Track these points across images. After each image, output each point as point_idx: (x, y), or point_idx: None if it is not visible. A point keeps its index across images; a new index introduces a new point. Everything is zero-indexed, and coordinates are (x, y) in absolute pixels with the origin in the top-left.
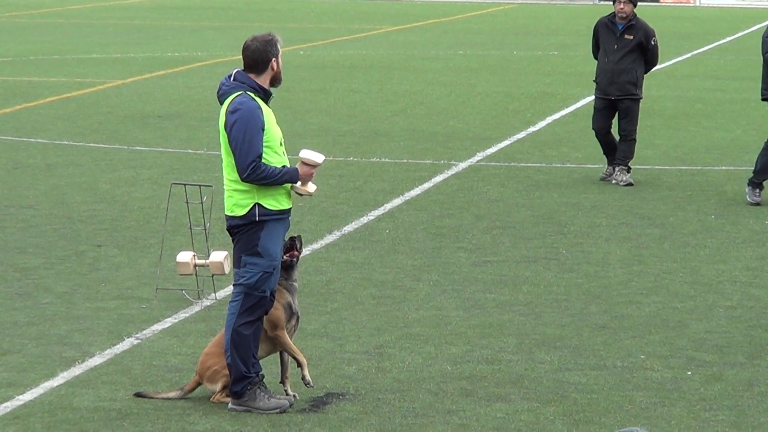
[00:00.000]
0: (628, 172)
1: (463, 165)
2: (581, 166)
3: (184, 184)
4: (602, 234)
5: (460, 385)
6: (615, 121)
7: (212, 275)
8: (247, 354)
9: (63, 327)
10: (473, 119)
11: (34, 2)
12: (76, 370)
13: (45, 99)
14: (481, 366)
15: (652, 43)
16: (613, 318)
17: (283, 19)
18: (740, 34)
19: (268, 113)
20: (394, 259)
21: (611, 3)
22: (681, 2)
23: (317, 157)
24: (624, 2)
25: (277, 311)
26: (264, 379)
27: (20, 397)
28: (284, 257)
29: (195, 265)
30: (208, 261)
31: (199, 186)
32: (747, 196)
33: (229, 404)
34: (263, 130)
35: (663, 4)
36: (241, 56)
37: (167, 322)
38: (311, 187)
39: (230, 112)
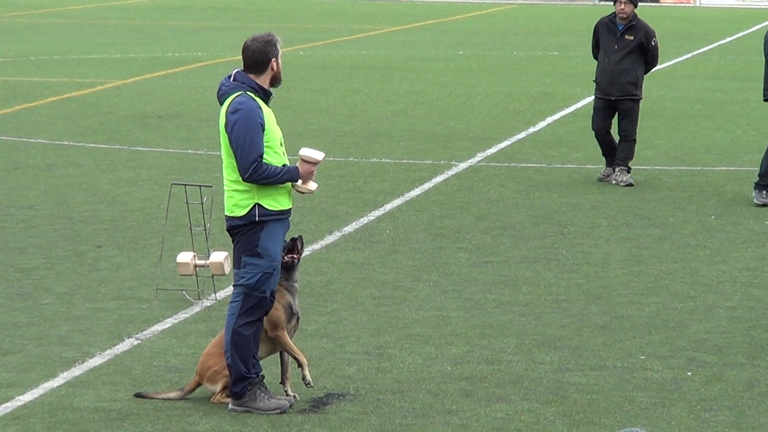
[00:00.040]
0: (628, 172)
1: (463, 165)
2: (581, 166)
3: (185, 185)
4: (602, 234)
5: (460, 386)
6: (614, 121)
7: (212, 276)
8: (247, 354)
9: (63, 327)
10: (473, 119)
11: (34, 2)
12: (77, 371)
13: (45, 99)
14: (482, 366)
15: (653, 43)
16: (614, 318)
17: (284, 20)
18: (740, 34)
19: (268, 113)
20: (394, 259)
21: (611, 3)
22: (681, 2)
23: (317, 155)
24: (625, 3)
25: (278, 312)
26: (264, 380)
27: (20, 397)
28: (285, 258)
29: (195, 266)
30: (208, 261)
31: (200, 186)
32: (755, 199)
33: (230, 405)
34: (263, 129)
35: (663, 4)
36: (241, 57)
37: (167, 323)
38: (312, 185)
39: (230, 113)
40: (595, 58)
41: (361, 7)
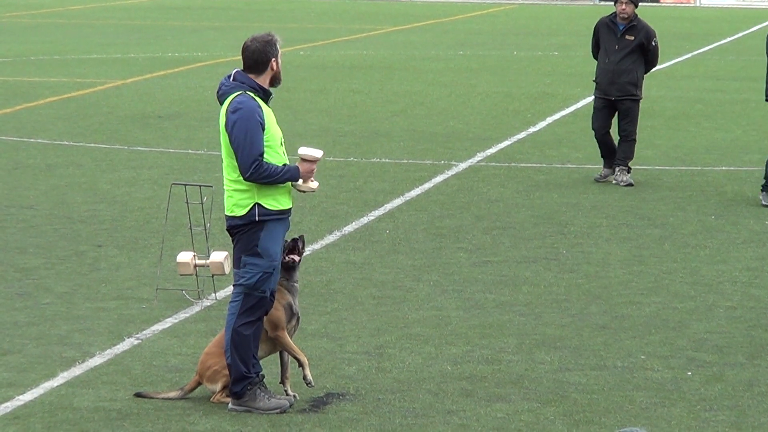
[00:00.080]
0: (629, 172)
1: (463, 165)
2: (581, 166)
3: (185, 185)
4: (602, 234)
5: (460, 386)
6: (614, 121)
7: (212, 275)
8: (247, 354)
9: (63, 327)
10: (473, 119)
11: (34, 2)
12: (77, 370)
13: (45, 99)
14: (482, 366)
15: (653, 43)
16: (614, 318)
17: (284, 20)
18: (740, 34)
19: (268, 113)
20: (394, 259)
21: (612, 3)
22: (681, 2)
23: (316, 153)
24: (626, 3)
25: (278, 312)
26: (264, 380)
27: (20, 397)
28: (286, 258)
29: (195, 266)
30: (208, 261)
31: (200, 186)
32: (762, 200)
33: (229, 404)
34: (263, 129)
35: (663, 4)
36: (240, 57)
37: (167, 323)
38: (313, 183)
39: (231, 112)
40: (595, 58)
41: (361, 7)
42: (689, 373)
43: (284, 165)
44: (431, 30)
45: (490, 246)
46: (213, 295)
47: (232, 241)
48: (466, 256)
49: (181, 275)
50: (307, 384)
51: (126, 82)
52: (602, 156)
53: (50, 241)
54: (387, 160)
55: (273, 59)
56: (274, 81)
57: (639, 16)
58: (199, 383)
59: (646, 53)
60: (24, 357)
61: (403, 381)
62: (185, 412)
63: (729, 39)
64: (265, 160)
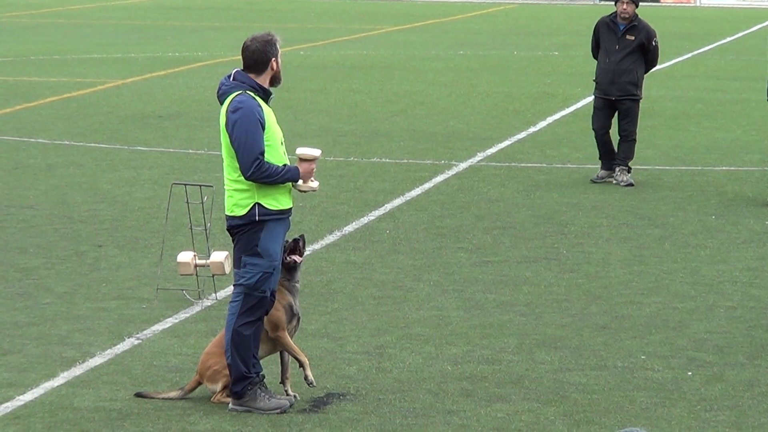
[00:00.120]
0: (629, 172)
1: (463, 165)
2: (582, 166)
3: (185, 184)
4: (603, 234)
5: (460, 386)
6: (614, 121)
7: (213, 275)
8: (247, 354)
9: (63, 327)
10: (474, 119)
11: (34, 2)
12: (77, 370)
13: (45, 99)
14: (482, 366)
15: (653, 43)
16: (614, 318)
17: (284, 19)
18: (741, 34)
19: (268, 112)
20: (394, 259)
21: (612, 3)
22: (681, 2)
23: (314, 152)
24: (627, 3)
25: (278, 312)
26: (264, 380)
27: (21, 397)
28: (287, 259)
29: (195, 265)
30: (208, 261)
31: (200, 186)
32: None
33: (230, 404)
34: (264, 128)
35: (663, 4)
36: (240, 56)
37: (168, 322)
38: (314, 183)
39: (231, 112)
40: (595, 57)
41: (361, 7)
42: (689, 373)
43: (284, 165)
44: (431, 30)
45: (490, 246)
46: (213, 295)
47: (233, 241)
48: (466, 256)
49: (182, 275)
50: (308, 384)
51: (126, 81)
52: (600, 157)
53: (50, 241)
54: (387, 160)
55: (273, 59)
56: (274, 81)
57: (639, 16)
58: (199, 383)
59: (646, 53)
60: (24, 357)
61: (403, 381)
62: (185, 412)
63: (729, 39)
64: (265, 159)
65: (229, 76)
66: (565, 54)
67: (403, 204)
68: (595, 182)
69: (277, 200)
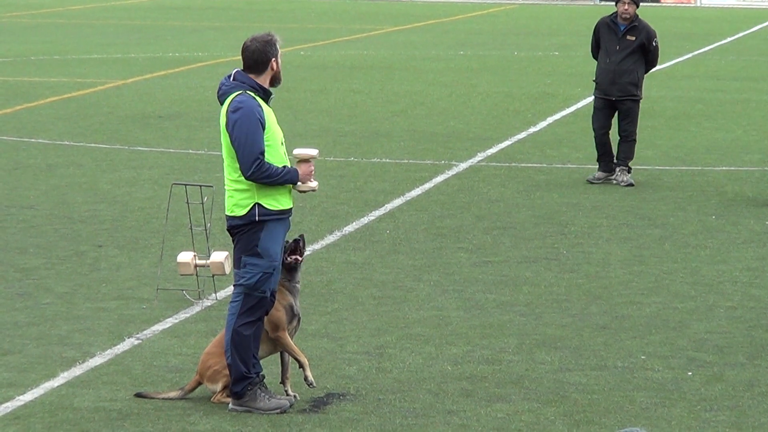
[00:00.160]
0: (629, 172)
1: (463, 165)
2: (582, 166)
3: (185, 185)
4: (603, 234)
5: (460, 386)
6: (614, 121)
7: (213, 275)
8: (247, 354)
9: (64, 327)
10: (474, 119)
11: (34, 2)
12: (77, 371)
13: (46, 99)
14: (482, 366)
15: (654, 44)
16: (614, 318)
17: (284, 20)
18: (741, 34)
19: (268, 112)
20: (394, 259)
21: (613, 3)
22: (682, 2)
23: (311, 151)
24: (628, 3)
25: (279, 312)
26: (264, 380)
27: (21, 397)
28: (288, 259)
29: (196, 266)
30: (208, 261)
31: (200, 186)
32: None
33: (230, 404)
34: (264, 128)
35: (664, 4)
36: (240, 57)
37: (168, 323)
38: (313, 183)
39: (231, 112)
40: (595, 57)
41: (361, 7)
42: (690, 374)
43: (284, 167)
44: (432, 30)
45: (490, 246)
46: (213, 295)
47: (233, 241)
48: (466, 256)
49: (182, 275)
50: (308, 385)
51: (126, 82)
52: (598, 159)
53: (51, 241)
54: (387, 160)
55: (273, 59)
56: (275, 81)
57: (639, 16)
58: (199, 383)
59: (646, 53)
60: (24, 357)
61: (403, 381)
62: (185, 412)
63: (729, 39)
64: (265, 159)
65: (230, 77)
66: (565, 54)
67: (403, 204)
68: (591, 182)
69: (277, 200)
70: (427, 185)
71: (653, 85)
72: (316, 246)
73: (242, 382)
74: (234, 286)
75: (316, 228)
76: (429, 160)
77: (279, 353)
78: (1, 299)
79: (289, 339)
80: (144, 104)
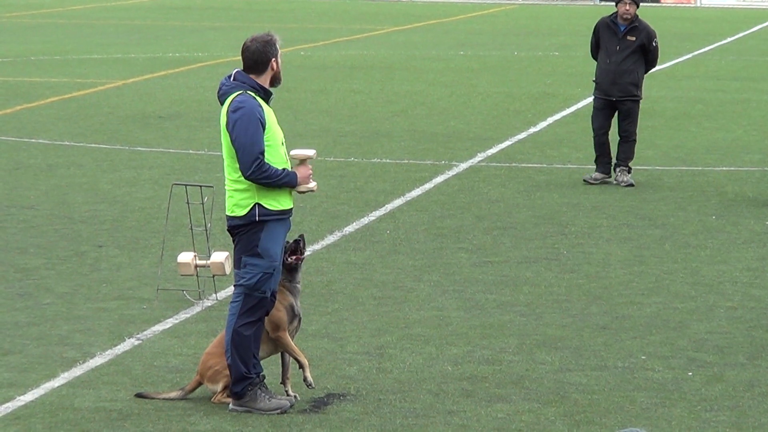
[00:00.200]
0: (629, 172)
1: (463, 165)
2: (582, 166)
3: (185, 185)
4: (603, 234)
5: (460, 386)
6: (614, 121)
7: (213, 276)
8: (247, 355)
9: (64, 327)
10: (474, 120)
11: (34, 2)
12: (77, 371)
13: (46, 99)
14: (482, 366)
15: (654, 44)
16: (614, 318)
17: (284, 20)
18: (741, 34)
19: (269, 112)
20: (394, 259)
21: (613, 3)
22: (682, 3)
23: (308, 151)
24: (629, 3)
25: (279, 312)
26: (265, 380)
27: (21, 397)
28: (289, 260)
29: (196, 266)
30: (209, 261)
31: (200, 186)
32: None
33: (230, 405)
34: (264, 127)
35: (664, 4)
36: (240, 57)
37: (168, 323)
38: (312, 184)
39: (232, 111)
40: (594, 58)
41: (361, 7)
42: (690, 374)
43: (284, 169)
44: (432, 30)
45: (490, 246)
46: (214, 295)
47: (233, 241)
48: (466, 257)
49: (182, 275)
50: (307, 386)
51: (127, 82)
52: (596, 159)
53: (51, 242)
54: (388, 161)
55: (273, 59)
56: (275, 81)
57: (639, 16)
58: (200, 383)
59: (646, 54)
60: (25, 357)
61: (403, 381)
62: (186, 412)
63: (729, 39)
64: (266, 159)
65: (230, 77)
66: (565, 54)
67: (403, 204)
68: (587, 182)
69: (277, 201)
70: (428, 185)
71: (653, 85)
72: (317, 246)
73: (242, 382)
74: (234, 286)
75: (317, 228)
76: (429, 160)
77: (279, 354)
78: (2, 299)
79: (290, 339)
80: (144, 104)
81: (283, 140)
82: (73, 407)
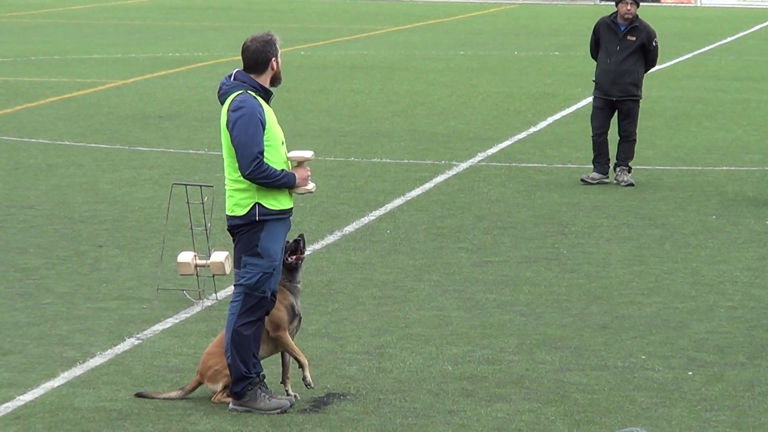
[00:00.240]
0: (629, 172)
1: (464, 165)
2: (582, 166)
3: (185, 185)
4: (603, 234)
5: (460, 386)
6: (613, 121)
7: (213, 275)
8: (247, 354)
9: (64, 327)
10: (474, 119)
11: (34, 2)
12: (77, 371)
13: (46, 99)
14: (482, 366)
15: (654, 44)
16: (614, 318)
17: (284, 20)
18: (741, 34)
19: (269, 112)
20: (395, 259)
21: (613, 3)
22: (682, 2)
23: (306, 153)
24: (630, 3)
25: (280, 312)
26: (265, 379)
27: (21, 397)
28: (289, 259)
29: (196, 266)
30: (209, 261)
31: (200, 186)
32: None
33: (230, 404)
34: (264, 127)
35: (664, 4)
36: (241, 57)
37: (168, 323)
38: (310, 185)
39: (232, 110)
40: (594, 58)
41: (361, 7)
42: (690, 373)
43: (282, 170)
44: (432, 30)
45: (490, 246)
46: (214, 295)
47: (233, 240)
48: (466, 256)
49: (182, 275)
50: (306, 386)
51: (127, 82)
52: (594, 160)
53: (51, 241)
54: (388, 160)
55: (273, 59)
56: (275, 80)
57: (639, 16)
58: (200, 383)
59: (647, 53)
60: (25, 357)
61: (403, 381)
62: (186, 412)
63: (729, 39)
64: (265, 159)
65: (230, 76)
66: (565, 54)
67: (403, 204)
68: (584, 182)
69: (277, 200)
70: (428, 185)
71: (653, 85)
72: (317, 246)
73: (242, 382)
74: (234, 286)
75: (317, 228)
76: (429, 160)
77: (279, 353)
78: (2, 299)
79: (290, 339)
80: (144, 104)
81: (284, 140)
82: (73, 407)
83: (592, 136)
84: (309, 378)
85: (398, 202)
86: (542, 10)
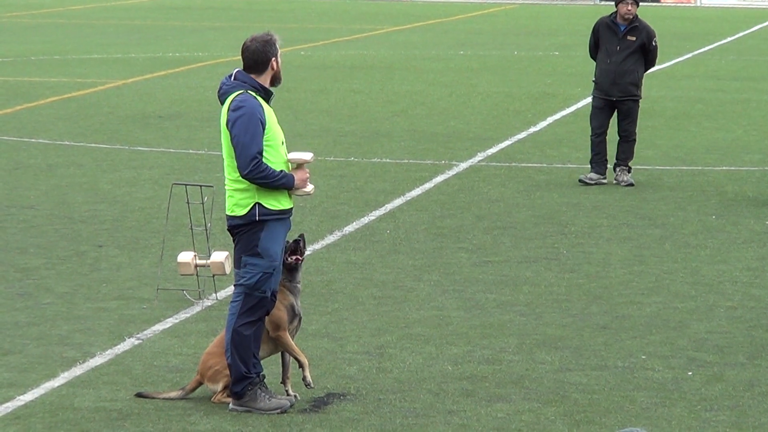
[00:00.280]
0: (629, 172)
1: (463, 165)
2: (582, 166)
3: (185, 185)
4: (603, 234)
5: (460, 386)
6: (612, 121)
7: (213, 275)
8: (247, 354)
9: (64, 327)
10: (474, 119)
11: (34, 2)
12: (77, 371)
13: (46, 99)
14: (482, 366)
15: (653, 44)
16: (614, 318)
17: (284, 20)
18: (741, 34)
19: (269, 112)
20: (394, 259)
21: (612, 3)
22: (682, 2)
23: (305, 155)
24: (631, 3)
25: (280, 312)
26: (265, 379)
27: (21, 397)
28: (289, 260)
29: (196, 266)
30: (209, 261)
31: (200, 186)
32: None
33: (230, 405)
34: (264, 127)
35: (664, 4)
36: (240, 57)
37: (168, 323)
38: (309, 187)
39: (232, 110)
40: (593, 58)
41: (361, 7)
42: (690, 373)
43: (281, 171)
44: (432, 30)
45: (490, 246)
46: (214, 295)
47: (233, 241)
48: (466, 256)
49: (182, 275)
50: (306, 386)
51: (127, 82)
52: (592, 160)
53: (51, 241)
54: (388, 160)
55: (273, 59)
56: (275, 80)
57: (639, 16)
58: (200, 383)
59: (646, 53)
60: (25, 357)
61: (403, 381)
62: (186, 412)
63: (729, 39)
64: (265, 159)
65: (230, 76)
66: (565, 54)
67: (403, 204)
68: (582, 182)
69: (277, 200)
70: (428, 185)
71: (653, 85)
72: (317, 246)
73: (242, 382)
74: (234, 286)
75: (317, 228)
76: (429, 160)
77: (279, 353)
78: (2, 299)
79: (290, 339)
80: (144, 104)
81: (284, 140)
82: (73, 407)
83: (591, 136)
84: (309, 378)
85: (398, 202)
86: (542, 10)
